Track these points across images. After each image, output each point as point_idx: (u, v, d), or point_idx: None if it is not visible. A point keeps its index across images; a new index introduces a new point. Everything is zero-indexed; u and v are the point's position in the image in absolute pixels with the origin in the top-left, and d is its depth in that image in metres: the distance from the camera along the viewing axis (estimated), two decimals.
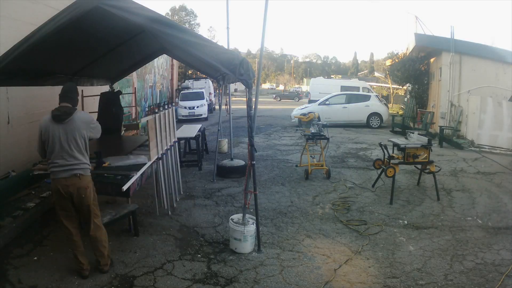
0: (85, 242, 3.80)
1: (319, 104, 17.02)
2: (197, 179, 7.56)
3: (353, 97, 17.30)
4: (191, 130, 9.06)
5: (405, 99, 18.63)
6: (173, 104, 20.48)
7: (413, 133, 6.95)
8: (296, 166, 8.49)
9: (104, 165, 4.83)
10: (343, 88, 22.54)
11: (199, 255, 4.27)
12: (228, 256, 4.26)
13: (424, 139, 6.47)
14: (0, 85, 5.09)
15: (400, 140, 6.76)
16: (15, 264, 3.97)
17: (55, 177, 3.58)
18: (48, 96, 7.39)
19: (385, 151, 6.60)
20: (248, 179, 4.48)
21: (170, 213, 5.50)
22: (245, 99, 5.08)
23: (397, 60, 20.14)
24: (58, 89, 6.64)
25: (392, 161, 6.37)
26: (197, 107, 19.39)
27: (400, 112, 20.95)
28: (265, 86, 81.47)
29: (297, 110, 17.31)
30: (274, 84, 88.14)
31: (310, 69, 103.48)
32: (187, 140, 8.87)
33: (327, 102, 16.91)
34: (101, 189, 4.26)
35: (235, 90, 39.51)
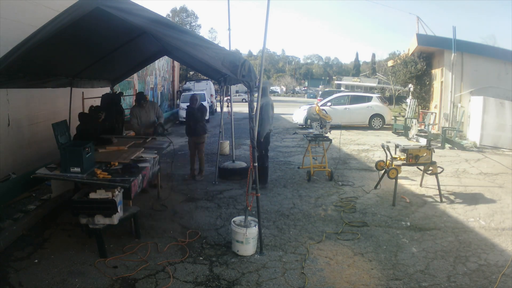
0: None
1: (320, 106, 16.97)
2: (199, 181, 7.53)
3: (355, 98, 17.21)
4: None
5: (407, 100, 18.52)
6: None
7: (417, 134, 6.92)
8: (298, 168, 8.47)
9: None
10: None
11: (201, 258, 4.24)
12: (230, 258, 4.23)
13: (424, 140, 6.44)
14: (0, 87, 5.09)
15: (402, 141, 6.72)
16: (16, 267, 3.95)
17: None
18: (48, 98, 7.39)
19: (387, 152, 6.57)
20: (250, 181, 4.45)
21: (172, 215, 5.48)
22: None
23: (399, 61, 20.06)
24: (58, 91, 6.75)
25: (394, 162, 6.34)
26: None
27: (402, 113, 20.86)
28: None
29: (298, 112, 17.28)
30: (278, 87, 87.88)
31: (312, 71, 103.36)
32: None
33: (329, 103, 16.85)
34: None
35: (236, 92, 39.51)
